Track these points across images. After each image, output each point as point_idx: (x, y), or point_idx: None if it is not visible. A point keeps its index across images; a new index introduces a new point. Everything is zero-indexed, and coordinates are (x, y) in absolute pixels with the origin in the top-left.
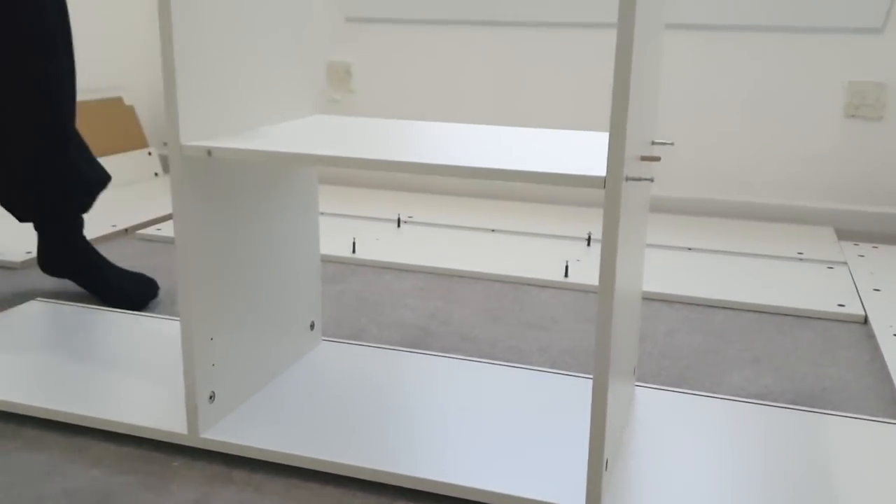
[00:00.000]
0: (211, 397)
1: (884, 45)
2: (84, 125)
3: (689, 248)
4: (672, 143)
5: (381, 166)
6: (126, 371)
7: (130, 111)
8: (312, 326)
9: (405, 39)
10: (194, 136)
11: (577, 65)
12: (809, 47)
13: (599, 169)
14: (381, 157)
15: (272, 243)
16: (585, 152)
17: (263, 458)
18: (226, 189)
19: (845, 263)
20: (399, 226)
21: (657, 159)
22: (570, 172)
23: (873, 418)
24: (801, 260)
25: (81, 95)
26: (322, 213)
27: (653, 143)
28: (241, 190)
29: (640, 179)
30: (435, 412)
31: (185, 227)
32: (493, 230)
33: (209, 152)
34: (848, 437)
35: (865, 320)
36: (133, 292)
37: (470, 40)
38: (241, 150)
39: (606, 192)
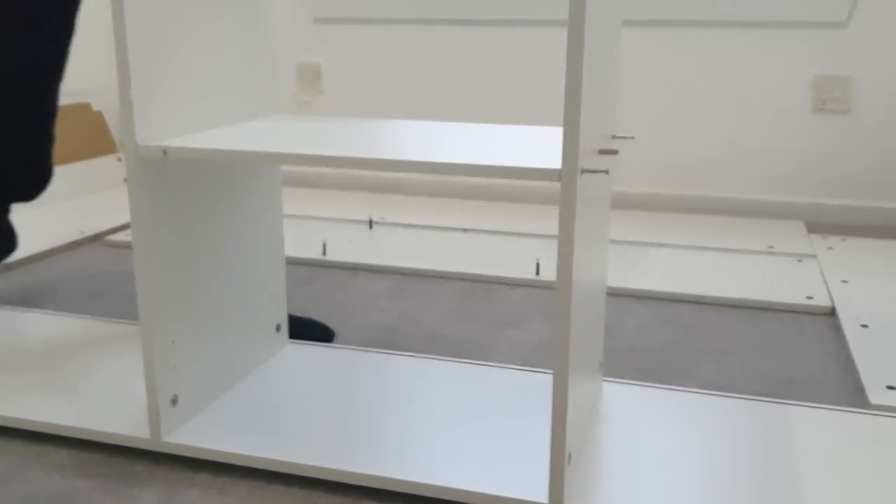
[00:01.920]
0: (174, 401)
1: (849, 38)
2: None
3: (661, 244)
4: (633, 137)
5: (333, 162)
6: (89, 376)
7: (98, 116)
8: (279, 329)
9: (373, 39)
10: (150, 136)
11: (546, 61)
12: (775, 42)
13: (556, 162)
14: (334, 154)
15: (235, 244)
16: (546, 146)
17: (227, 461)
18: (184, 190)
19: (814, 256)
20: (371, 227)
21: (615, 153)
22: (526, 165)
23: (836, 407)
24: (770, 253)
25: None
26: (294, 216)
27: (613, 137)
28: (200, 191)
29: (595, 171)
30: (400, 412)
31: (143, 228)
32: (465, 230)
33: (165, 152)
34: (811, 426)
35: (833, 312)
36: None
37: (438, 38)
38: (197, 149)
39: (562, 185)
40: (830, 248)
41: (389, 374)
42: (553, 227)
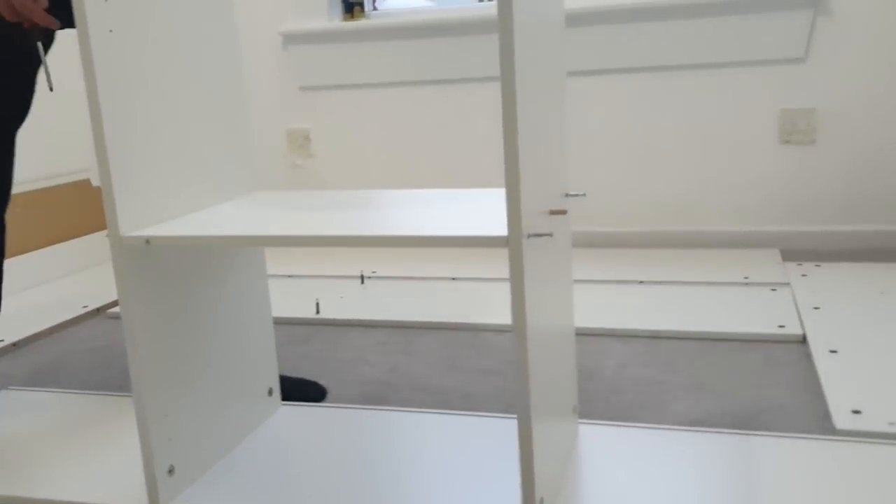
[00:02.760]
0: (170, 471)
1: (808, 72)
2: (53, 208)
3: (641, 282)
4: (584, 195)
5: (295, 242)
6: (90, 450)
7: (98, 192)
8: (271, 392)
9: (356, 102)
10: (133, 225)
11: None
12: (740, 80)
13: (504, 228)
14: (298, 234)
15: (222, 316)
16: (502, 209)
17: None
18: (170, 270)
19: (788, 284)
20: (363, 282)
21: (564, 212)
22: (472, 234)
23: (803, 436)
24: (746, 284)
25: (51, 181)
26: (289, 276)
27: (566, 195)
28: (185, 269)
29: (541, 235)
30: (389, 468)
31: (131, 311)
32: (453, 278)
33: (147, 241)
34: (780, 456)
35: (804, 339)
36: None
37: (417, 97)
38: (178, 236)
39: (509, 251)
40: (804, 275)
41: (378, 431)
42: None
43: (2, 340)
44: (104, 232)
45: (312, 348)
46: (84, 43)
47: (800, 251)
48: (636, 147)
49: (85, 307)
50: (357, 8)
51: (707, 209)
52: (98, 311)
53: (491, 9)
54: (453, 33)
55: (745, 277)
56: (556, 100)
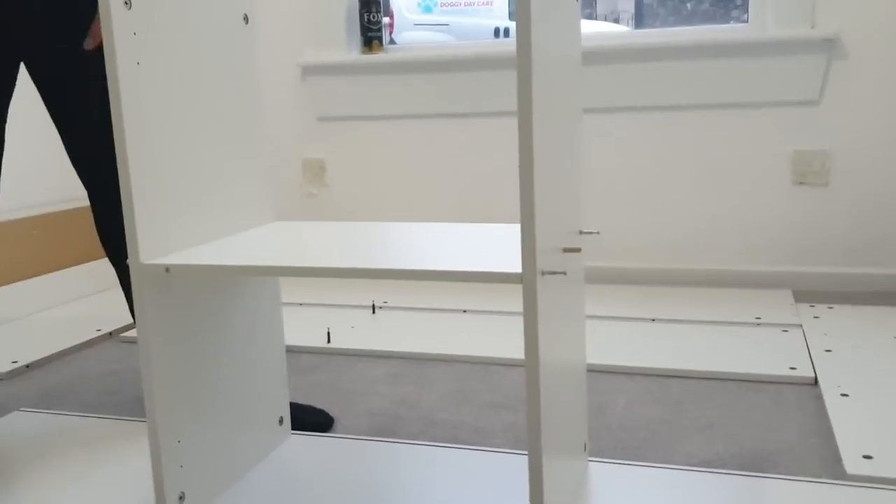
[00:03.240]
0: (181, 497)
1: (822, 115)
2: (70, 232)
3: (653, 319)
4: (598, 233)
5: (312, 273)
6: (101, 476)
7: None
8: (281, 422)
9: (372, 134)
10: (154, 253)
11: None
12: (755, 121)
13: (518, 265)
14: (313, 265)
15: (236, 344)
16: (516, 245)
17: None
18: (186, 298)
19: (800, 326)
20: (374, 312)
21: (578, 251)
22: (487, 270)
23: (813, 480)
24: (758, 325)
25: (68, 204)
26: (301, 304)
27: (580, 232)
28: (201, 297)
29: (554, 273)
30: (399, 501)
31: (148, 337)
32: (464, 311)
33: (167, 269)
34: (788, 499)
35: (815, 382)
36: None
37: (433, 131)
38: (197, 265)
39: (524, 288)
40: (816, 317)
41: (387, 464)
42: None
43: (15, 362)
44: None
45: (322, 378)
46: (112, 74)
47: (812, 293)
48: (650, 185)
49: (98, 330)
50: (375, 41)
51: (720, 249)
52: (111, 334)
53: (507, 45)
54: (470, 68)
55: (757, 318)
56: (572, 137)
